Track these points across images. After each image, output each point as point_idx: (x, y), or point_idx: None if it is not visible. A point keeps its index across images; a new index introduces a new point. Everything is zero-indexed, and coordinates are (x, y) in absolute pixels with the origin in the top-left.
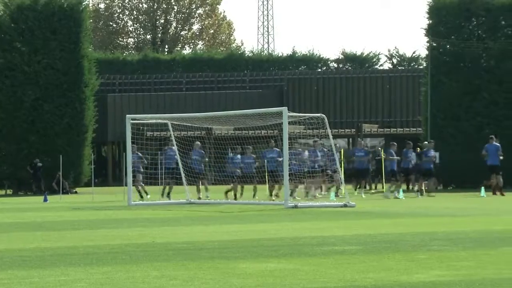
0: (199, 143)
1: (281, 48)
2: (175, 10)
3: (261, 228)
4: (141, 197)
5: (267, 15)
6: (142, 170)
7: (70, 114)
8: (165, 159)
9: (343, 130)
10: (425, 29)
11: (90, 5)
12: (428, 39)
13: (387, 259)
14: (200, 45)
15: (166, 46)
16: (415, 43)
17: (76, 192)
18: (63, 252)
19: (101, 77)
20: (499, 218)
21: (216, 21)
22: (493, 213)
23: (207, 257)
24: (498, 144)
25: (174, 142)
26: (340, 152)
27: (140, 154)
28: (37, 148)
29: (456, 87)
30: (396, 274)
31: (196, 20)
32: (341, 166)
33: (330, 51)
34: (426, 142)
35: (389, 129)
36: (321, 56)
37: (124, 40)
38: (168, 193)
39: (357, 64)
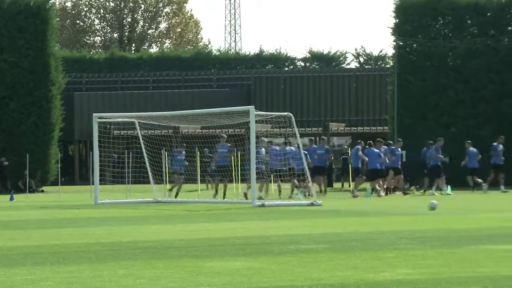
0: (225, 136)
1: (248, 47)
2: (142, 9)
3: (229, 226)
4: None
5: (234, 14)
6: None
7: (37, 112)
8: (174, 160)
9: (310, 129)
10: (391, 28)
11: (57, 3)
12: (394, 38)
13: (354, 258)
14: (167, 43)
15: (133, 45)
16: (381, 42)
17: (42, 191)
18: (30, 251)
19: (67, 75)
20: (464, 217)
21: (183, 20)
22: (459, 212)
23: (174, 255)
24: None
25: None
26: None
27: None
28: (3, 147)
29: (423, 86)
30: (363, 272)
31: (163, 18)
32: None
33: (297, 50)
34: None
35: (356, 128)
36: (288, 55)
37: (91, 38)
38: (177, 193)
39: (324, 63)
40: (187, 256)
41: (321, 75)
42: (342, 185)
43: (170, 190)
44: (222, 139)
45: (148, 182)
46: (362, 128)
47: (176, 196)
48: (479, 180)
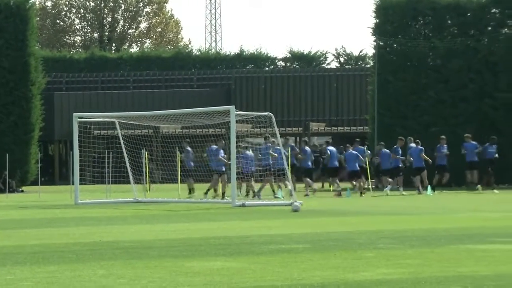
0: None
1: (229, 46)
2: (122, 8)
3: (209, 226)
4: (190, 193)
5: (215, 14)
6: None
7: (17, 112)
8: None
9: (291, 129)
10: (372, 28)
11: (37, 3)
12: (375, 38)
13: (334, 258)
14: (147, 43)
15: (113, 45)
16: (362, 42)
17: (22, 191)
18: (9, 251)
19: (47, 75)
20: (445, 217)
21: (164, 20)
22: (439, 212)
23: (155, 255)
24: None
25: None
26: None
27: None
28: None
29: (403, 86)
30: (343, 272)
31: (143, 18)
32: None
33: (278, 50)
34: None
35: (336, 128)
36: (269, 54)
37: (71, 38)
38: (223, 193)
39: (305, 63)
40: (167, 256)
41: (301, 75)
42: (322, 185)
43: (206, 192)
44: (220, 143)
45: (128, 182)
46: (343, 128)
47: (223, 197)
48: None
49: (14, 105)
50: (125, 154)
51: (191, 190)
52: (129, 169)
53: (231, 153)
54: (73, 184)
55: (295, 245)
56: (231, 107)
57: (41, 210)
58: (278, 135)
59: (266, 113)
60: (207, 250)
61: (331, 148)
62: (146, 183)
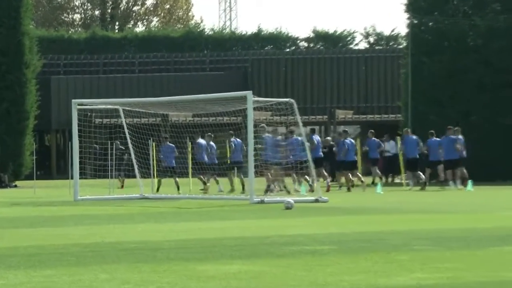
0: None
1: (245, 25)
2: None
3: (223, 226)
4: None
5: None
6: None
7: (9, 98)
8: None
9: (314, 117)
10: (404, 4)
11: None
12: (408, 15)
13: (364, 260)
14: (154, 22)
15: (117, 23)
16: (394, 20)
17: (16, 186)
18: (1, 253)
19: (44, 57)
20: (487, 215)
21: None
22: (480, 210)
23: (163, 258)
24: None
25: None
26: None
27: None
28: None
29: (439, 68)
30: (374, 276)
31: None
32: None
33: (300, 29)
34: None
35: (365, 116)
36: (290, 34)
37: (70, 16)
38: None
39: (330, 44)
40: (177, 259)
41: (326, 57)
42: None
43: (267, 191)
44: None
45: (134, 176)
46: (372, 116)
47: (289, 191)
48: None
49: (6, 91)
50: (130, 145)
51: (206, 184)
52: (134, 161)
53: (249, 144)
54: (72, 178)
55: (320, 246)
56: (248, 93)
57: (37, 208)
58: (301, 124)
59: (286, 99)
60: (221, 252)
61: (348, 140)
62: (155, 177)
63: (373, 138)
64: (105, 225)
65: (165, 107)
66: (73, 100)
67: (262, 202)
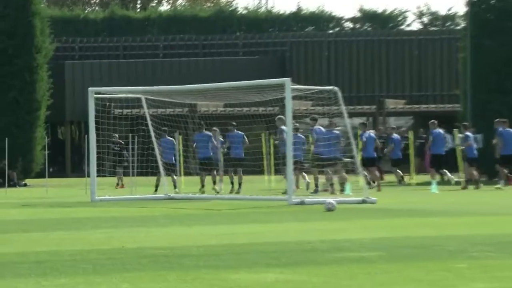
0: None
1: (283, 4)
2: None
3: (259, 229)
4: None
5: None
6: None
7: (18, 86)
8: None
9: (361, 107)
10: None
11: None
12: None
13: (416, 269)
14: (180, 0)
15: (139, 2)
16: None
17: (25, 185)
18: (10, 260)
19: (57, 40)
20: None
21: None
22: None
23: (191, 266)
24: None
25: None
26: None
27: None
28: None
29: (503, 52)
30: (428, 286)
31: None
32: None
33: (345, 8)
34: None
35: (418, 106)
36: (333, 14)
37: None
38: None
39: (378, 24)
40: (207, 267)
41: (374, 39)
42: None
43: (315, 192)
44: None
45: (158, 174)
46: (427, 106)
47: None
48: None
49: (14, 78)
50: (153, 139)
51: (239, 185)
52: (158, 157)
53: (287, 138)
54: (88, 176)
55: (367, 252)
56: (286, 80)
57: (49, 209)
58: (346, 115)
59: (330, 87)
60: (256, 259)
61: (395, 135)
62: (180, 175)
63: (438, 130)
64: (126, 228)
65: (193, 96)
66: (89, 88)
67: (302, 203)
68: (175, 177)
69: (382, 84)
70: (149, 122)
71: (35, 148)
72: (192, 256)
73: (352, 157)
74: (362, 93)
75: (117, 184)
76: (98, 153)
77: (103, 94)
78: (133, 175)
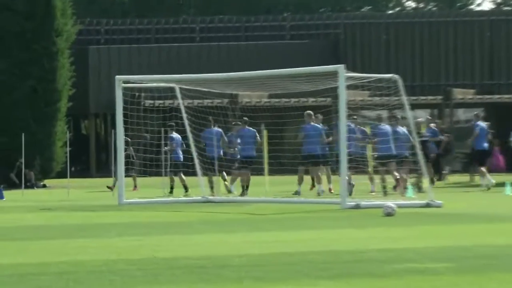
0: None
1: None
2: None
3: (307, 237)
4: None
5: None
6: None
7: (36, 74)
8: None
9: (425, 98)
10: None
11: None
12: None
13: (488, 281)
14: None
15: None
16: None
17: (44, 186)
18: (27, 272)
19: (80, 22)
20: None
21: None
22: None
23: (232, 277)
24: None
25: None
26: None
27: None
28: None
29: None
30: None
31: None
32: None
33: None
34: None
35: (490, 96)
36: None
37: None
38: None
39: (445, 4)
40: (249, 278)
41: (440, 20)
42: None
43: (384, 194)
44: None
45: (194, 174)
46: (500, 96)
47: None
48: None
49: (32, 65)
50: (189, 134)
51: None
52: (195, 155)
53: (341, 133)
54: (115, 176)
55: (432, 264)
56: (339, 67)
57: (71, 213)
58: (407, 107)
59: (389, 75)
60: (305, 271)
61: (481, 123)
62: (218, 174)
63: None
64: (157, 235)
65: (233, 85)
66: (117, 77)
67: (357, 206)
68: (213, 177)
69: (449, 72)
70: (184, 115)
71: (55, 145)
72: (232, 266)
73: (414, 155)
74: (426, 82)
75: (135, 186)
76: (126, 150)
77: (132, 83)
78: (165, 175)
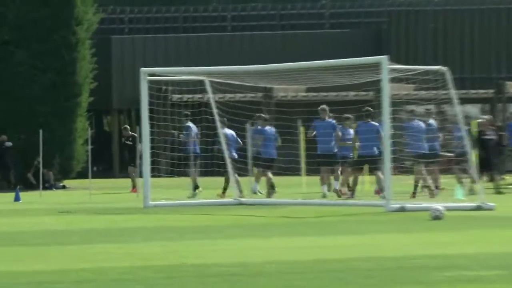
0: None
1: None
2: None
3: (349, 242)
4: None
5: None
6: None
7: (54, 66)
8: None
9: (476, 92)
10: None
11: None
12: None
13: None
14: None
15: None
16: None
17: (64, 187)
18: (46, 279)
19: (102, 10)
20: None
21: None
22: None
23: (267, 286)
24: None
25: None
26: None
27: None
28: (4, 119)
29: None
30: None
31: None
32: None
33: None
34: None
35: None
36: None
37: None
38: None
39: None
40: (285, 287)
41: (491, 8)
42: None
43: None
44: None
45: (225, 174)
46: None
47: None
48: None
49: (50, 56)
50: (220, 131)
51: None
52: (226, 154)
53: (385, 130)
54: (141, 176)
55: (485, 271)
56: (383, 58)
57: (93, 217)
58: (456, 101)
59: (437, 67)
60: (347, 279)
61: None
62: (253, 174)
63: None
64: (186, 241)
65: (268, 78)
66: (142, 69)
67: (402, 209)
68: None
69: (501, 64)
70: (215, 111)
71: (75, 142)
72: (268, 274)
73: (463, 154)
74: (476, 75)
75: (133, 187)
76: (152, 148)
77: (158, 75)
78: (194, 175)
